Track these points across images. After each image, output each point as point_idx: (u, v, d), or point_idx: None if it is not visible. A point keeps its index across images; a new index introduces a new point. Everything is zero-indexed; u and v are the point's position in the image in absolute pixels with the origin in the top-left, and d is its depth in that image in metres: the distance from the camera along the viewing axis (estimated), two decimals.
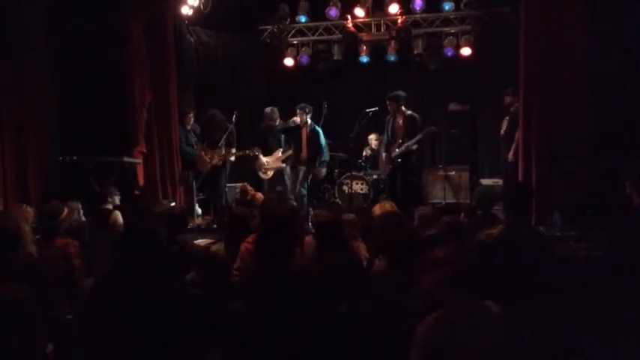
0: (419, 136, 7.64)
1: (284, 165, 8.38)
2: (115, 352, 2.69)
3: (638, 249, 3.27)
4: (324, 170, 8.45)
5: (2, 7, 6.23)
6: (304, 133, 8.14)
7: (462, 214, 4.98)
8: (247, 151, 8.02)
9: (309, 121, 8.12)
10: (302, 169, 8.16)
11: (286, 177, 8.34)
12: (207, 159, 7.68)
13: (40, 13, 6.92)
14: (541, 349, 4.11)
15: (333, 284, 2.89)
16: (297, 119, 8.15)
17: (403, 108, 7.73)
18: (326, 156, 8.31)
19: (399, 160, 7.63)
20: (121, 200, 6.28)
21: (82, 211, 6.01)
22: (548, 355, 4.15)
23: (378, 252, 3.67)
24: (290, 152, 8.30)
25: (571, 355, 4.09)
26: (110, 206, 5.79)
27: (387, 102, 7.72)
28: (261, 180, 8.56)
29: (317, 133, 8.16)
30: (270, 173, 8.22)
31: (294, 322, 2.51)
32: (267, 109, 8.48)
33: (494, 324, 2.50)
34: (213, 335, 3.12)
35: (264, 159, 8.11)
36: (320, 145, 8.17)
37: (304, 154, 8.14)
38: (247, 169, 8.29)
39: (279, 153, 8.26)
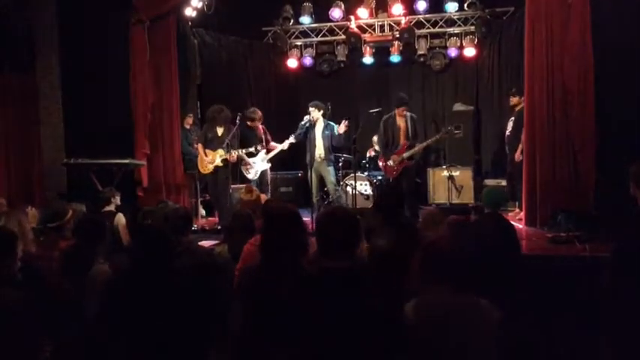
0: (437, 136, 7.92)
1: (269, 165, 8.33)
2: (120, 351, 2.70)
3: None
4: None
5: (12, 11, 6.26)
6: (318, 130, 8.13)
7: (472, 216, 4.96)
8: (251, 149, 8.00)
9: (320, 117, 8.11)
10: (325, 167, 8.16)
11: (310, 179, 8.30)
12: (209, 160, 7.65)
13: (48, 17, 6.96)
14: (545, 348, 4.10)
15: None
16: (309, 117, 8.10)
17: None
18: (341, 140, 8.20)
19: (412, 160, 7.64)
20: (124, 202, 6.28)
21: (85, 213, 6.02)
22: (552, 354, 4.15)
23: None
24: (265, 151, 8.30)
25: (575, 354, 4.09)
26: (113, 208, 5.79)
27: (403, 106, 7.66)
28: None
29: (332, 127, 8.13)
30: (256, 174, 8.15)
31: (297, 322, 2.51)
32: (250, 109, 8.36)
33: (475, 322, 2.52)
34: (217, 336, 3.13)
35: (249, 159, 8.04)
36: (335, 134, 8.10)
37: (322, 151, 8.11)
38: (243, 174, 8.26)
39: (263, 153, 8.20)
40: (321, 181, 8.35)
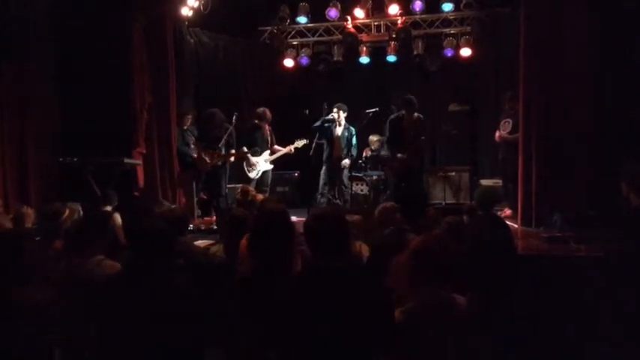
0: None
1: (272, 166, 8.47)
2: (118, 351, 2.70)
3: (638, 251, 3.28)
4: (347, 161, 8.57)
5: (4, 10, 6.24)
6: (338, 131, 8.27)
7: (465, 216, 4.97)
8: (244, 152, 8.08)
9: (343, 120, 8.25)
10: (341, 168, 8.40)
11: (321, 176, 8.47)
12: (207, 159, 7.69)
13: (41, 14, 6.94)
14: (541, 348, 4.12)
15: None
16: (335, 116, 8.26)
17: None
18: (354, 151, 8.53)
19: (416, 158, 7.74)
20: (120, 202, 6.27)
21: (81, 213, 6.00)
22: (547, 353, 4.16)
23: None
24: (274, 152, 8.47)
25: (571, 353, 4.11)
26: (109, 208, 5.78)
27: (414, 110, 7.76)
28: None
29: (352, 132, 8.39)
30: (258, 174, 8.26)
31: (289, 321, 2.51)
32: (260, 109, 8.51)
33: (456, 317, 2.55)
34: (214, 335, 3.13)
35: (253, 159, 8.16)
36: (352, 143, 8.42)
37: (337, 152, 8.26)
38: (244, 172, 8.30)
39: (267, 154, 8.32)
40: (330, 180, 8.49)
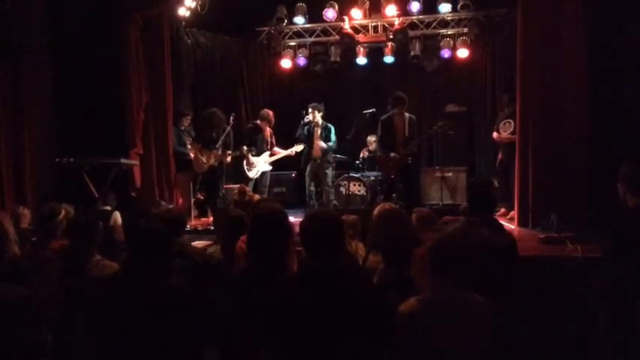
0: (430, 131, 8.23)
1: (270, 167, 8.49)
2: (117, 351, 2.70)
3: (635, 252, 3.28)
4: (323, 144, 8.50)
5: (2, 11, 6.23)
6: (317, 131, 8.27)
7: (461, 217, 4.96)
8: (244, 151, 8.08)
9: (320, 119, 8.25)
10: (322, 169, 8.38)
11: (306, 179, 8.48)
12: (204, 160, 7.69)
13: (38, 15, 6.93)
14: (536, 348, 4.12)
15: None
16: (310, 117, 8.27)
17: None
18: (330, 144, 8.46)
19: (409, 158, 7.74)
20: (118, 202, 6.26)
21: (74, 213, 5.99)
22: (544, 353, 4.17)
23: (373, 247, 3.71)
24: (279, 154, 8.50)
25: (568, 354, 4.11)
26: (108, 208, 5.77)
27: (402, 107, 7.78)
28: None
29: (329, 130, 8.36)
30: (257, 174, 8.30)
31: (287, 320, 2.51)
32: (264, 110, 8.56)
33: (477, 320, 2.51)
34: (212, 335, 3.13)
35: (252, 158, 8.20)
36: (329, 139, 8.41)
37: (316, 152, 8.26)
38: (244, 171, 8.31)
39: (267, 155, 8.36)
40: (315, 181, 8.48)
